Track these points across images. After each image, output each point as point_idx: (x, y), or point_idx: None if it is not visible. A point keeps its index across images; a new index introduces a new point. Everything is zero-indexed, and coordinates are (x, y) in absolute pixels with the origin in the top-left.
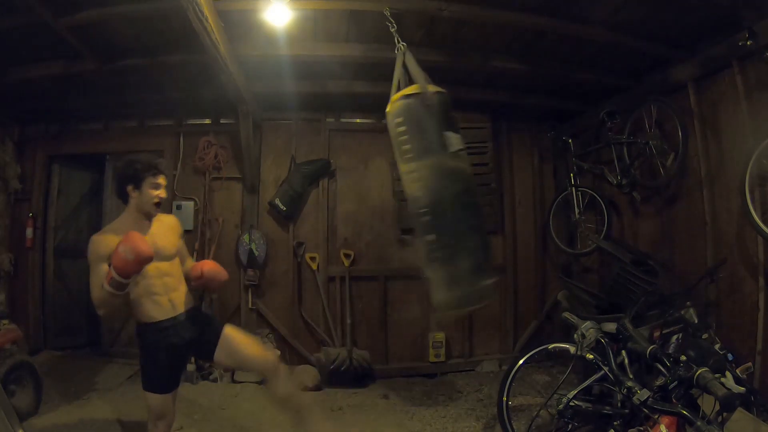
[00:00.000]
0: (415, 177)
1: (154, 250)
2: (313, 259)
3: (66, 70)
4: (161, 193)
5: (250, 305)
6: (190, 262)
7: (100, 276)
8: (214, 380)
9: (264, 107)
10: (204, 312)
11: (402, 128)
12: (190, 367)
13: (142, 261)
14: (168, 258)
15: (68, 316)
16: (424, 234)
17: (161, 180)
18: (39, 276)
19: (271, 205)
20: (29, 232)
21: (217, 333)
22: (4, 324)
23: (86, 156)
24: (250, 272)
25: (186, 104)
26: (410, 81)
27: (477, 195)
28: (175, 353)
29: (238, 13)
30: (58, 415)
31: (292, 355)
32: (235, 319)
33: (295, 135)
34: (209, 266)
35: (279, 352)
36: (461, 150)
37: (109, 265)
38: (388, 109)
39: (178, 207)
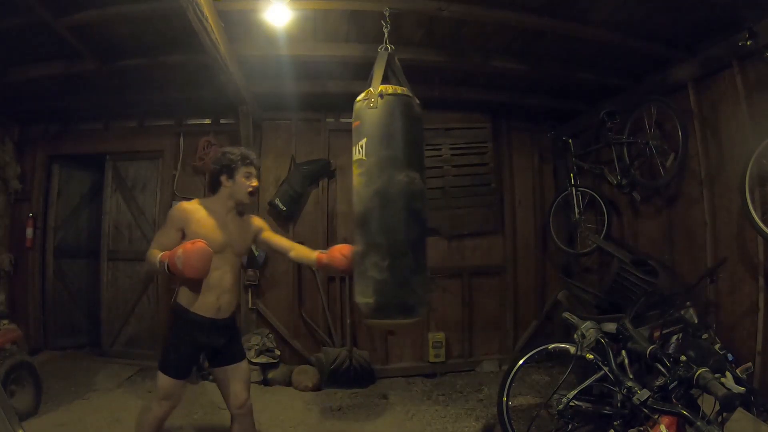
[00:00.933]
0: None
1: (228, 242)
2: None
3: (66, 70)
4: (254, 182)
5: (250, 305)
6: (301, 250)
7: (167, 240)
8: (214, 380)
9: (264, 107)
10: (236, 325)
11: (401, 122)
12: None
13: (185, 276)
14: (237, 254)
15: (68, 316)
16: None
17: (253, 170)
18: (39, 276)
19: (271, 205)
20: (29, 232)
21: (236, 356)
22: (4, 324)
23: (86, 156)
24: (250, 272)
25: (186, 104)
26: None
27: (422, 209)
28: (199, 349)
29: (238, 13)
30: (58, 415)
31: (292, 355)
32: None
33: (295, 135)
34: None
35: (250, 406)
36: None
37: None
38: (373, 101)
39: None
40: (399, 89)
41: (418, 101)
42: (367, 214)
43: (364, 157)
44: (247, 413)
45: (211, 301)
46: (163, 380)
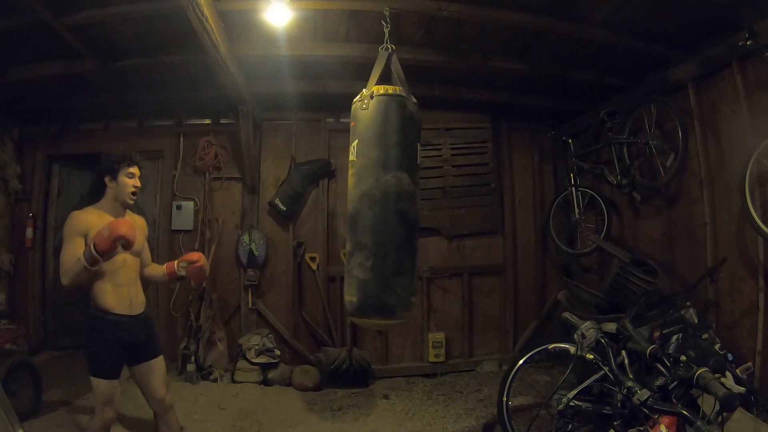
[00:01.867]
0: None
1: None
2: (313, 259)
3: (66, 70)
4: (136, 182)
5: (250, 305)
6: (154, 267)
7: (75, 249)
8: (214, 380)
9: (264, 107)
10: (152, 321)
11: (394, 122)
12: (190, 367)
13: (116, 236)
14: (136, 253)
15: (68, 316)
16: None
17: (135, 170)
18: (39, 276)
19: (271, 205)
20: (29, 232)
21: (153, 352)
22: (4, 324)
23: (86, 156)
24: (250, 272)
25: (186, 104)
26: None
27: (411, 210)
28: (122, 347)
29: (238, 13)
30: (58, 415)
31: (292, 355)
32: (235, 319)
33: (295, 135)
34: (201, 258)
35: (170, 401)
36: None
37: (85, 242)
38: (367, 102)
39: (178, 207)
40: (391, 89)
41: (414, 100)
42: (355, 214)
43: (355, 158)
44: (168, 408)
45: (124, 296)
46: (99, 385)
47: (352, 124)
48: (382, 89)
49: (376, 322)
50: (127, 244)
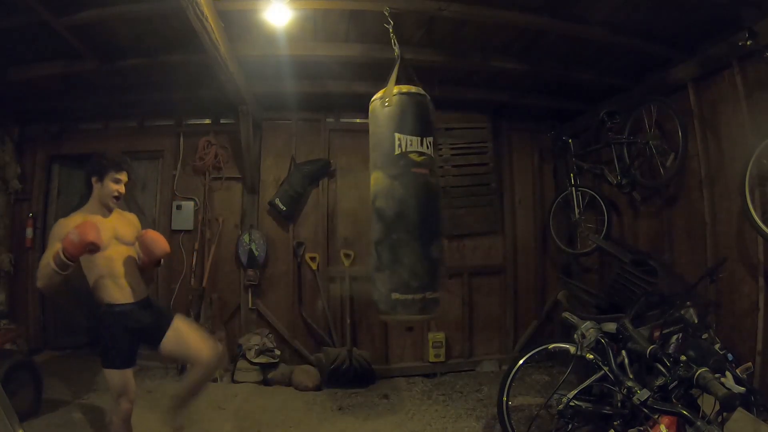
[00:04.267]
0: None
1: (114, 235)
2: (313, 259)
3: (66, 70)
4: (120, 188)
5: (250, 305)
6: None
7: (52, 253)
8: (214, 380)
9: (264, 107)
10: (157, 303)
11: (414, 120)
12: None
13: (85, 243)
14: (127, 243)
15: (68, 316)
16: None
17: (123, 176)
18: None
19: (271, 205)
20: (29, 232)
21: (168, 323)
22: (4, 324)
23: (86, 156)
24: (250, 272)
25: (186, 104)
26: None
27: (437, 206)
28: (133, 335)
29: (238, 13)
30: (58, 415)
31: (292, 355)
32: (235, 319)
33: (295, 135)
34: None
35: (222, 350)
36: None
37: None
38: (388, 100)
39: (178, 207)
40: (414, 88)
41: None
42: (382, 212)
43: (378, 156)
44: (209, 365)
45: (124, 286)
46: (113, 375)
47: (373, 126)
48: (404, 88)
49: (413, 318)
50: (95, 249)
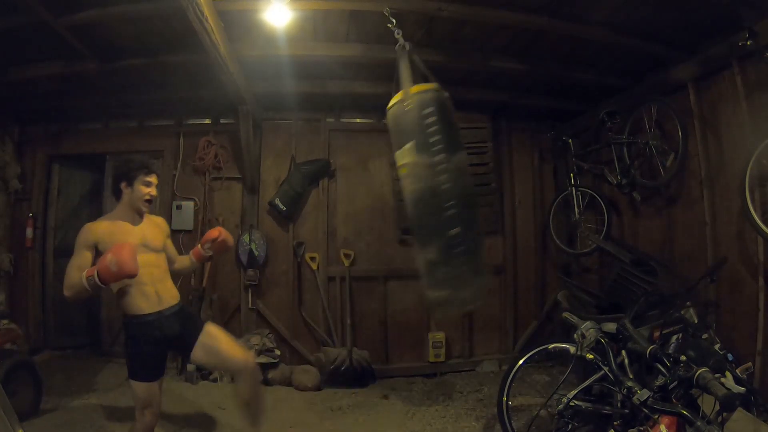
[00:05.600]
0: (442, 169)
1: (143, 242)
2: (313, 259)
3: (66, 70)
4: (152, 191)
5: (250, 305)
6: (181, 260)
7: (81, 261)
8: (214, 380)
9: (264, 107)
10: (187, 309)
11: (433, 119)
12: (190, 367)
13: (123, 275)
14: (155, 250)
15: (68, 316)
16: (446, 228)
17: (153, 179)
18: (39, 276)
19: (271, 205)
20: (29, 232)
21: (199, 330)
22: (4, 324)
23: (86, 156)
24: (250, 272)
25: (186, 104)
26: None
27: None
28: (159, 345)
29: (238, 13)
30: (58, 415)
31: (292, 355)
32: (235, 319)
33: (295, 135)
34: (221, 232)
35: (253, 356)
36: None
37: (94, 260)
38: (408, 103)
39: (178, 207)
40: (431, 86)
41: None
42: (425, 212)
43: (411, 159)
44: (252, 370)
45: (151, 295)
46: (139, 388)
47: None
48: (423, 87)
49: (474, 306)
50: (128, 276)
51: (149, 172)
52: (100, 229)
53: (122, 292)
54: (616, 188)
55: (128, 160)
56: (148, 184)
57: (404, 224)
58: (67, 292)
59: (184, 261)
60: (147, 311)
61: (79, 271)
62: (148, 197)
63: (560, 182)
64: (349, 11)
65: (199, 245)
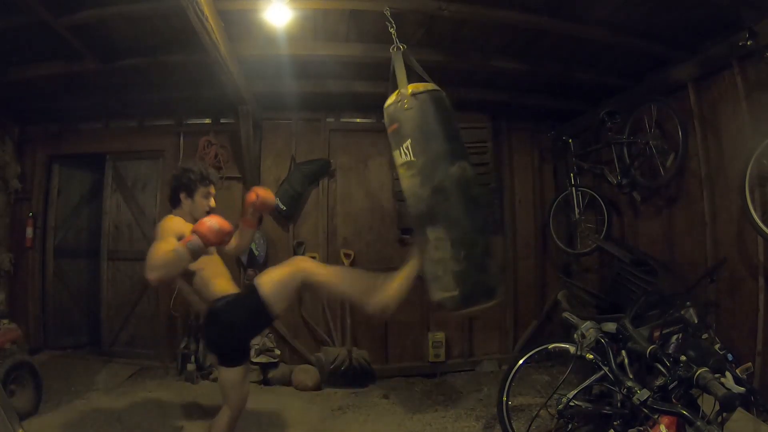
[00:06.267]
0: (442, 168)
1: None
2: (313, 258)
3: (66, 70)
4: (211, 202)
5: None
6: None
7: (168, 245)
8: (214, 380)
9: (264, 107)
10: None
11: (430, 117)
12: (190, 366)
13: (225, 232)
14: (216, 249)
15: (68, 316)
16: (456, 226)
17: (212, 189)
18: (39, 276)
19: None
20: (29, 232)
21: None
22: (4, 324)
23: (86, 156)
24: (250, 272)
25: (186, 104)
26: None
27: (479, 193)
28: (251, 321)
29: (238, 13)
30: (58, 415)
31: (292, 355)
32: None
33: (295, 135)
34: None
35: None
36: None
37: (187, 236)
38: (404, 102)
39: None
40: (430, 86)
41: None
42: (432, 211)
43: (412, 158)
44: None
45: (228, 279)
46: (230, 374)
47: (393, 126)
48: (420, 87)
49: (484, 306)
50: (228, 240)
51: (209, 183)
52: (180, 223)
53: (206, 283)
54: (616, 188)
55: (188, 170)
56: (208, 196)
57: (404, 224)
58: (155, 274)
59: (232, 241)
60: (231, 291)
61: (167, 252)
62: (208, 209)
63: (560, 182)
64: (349, 11)
65: (247, 214)
